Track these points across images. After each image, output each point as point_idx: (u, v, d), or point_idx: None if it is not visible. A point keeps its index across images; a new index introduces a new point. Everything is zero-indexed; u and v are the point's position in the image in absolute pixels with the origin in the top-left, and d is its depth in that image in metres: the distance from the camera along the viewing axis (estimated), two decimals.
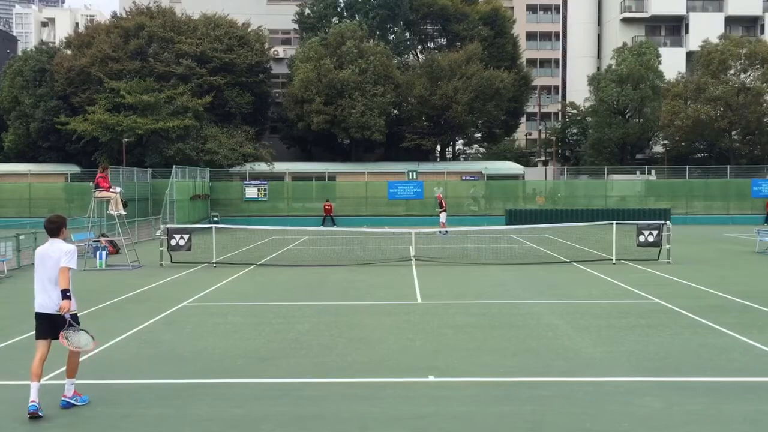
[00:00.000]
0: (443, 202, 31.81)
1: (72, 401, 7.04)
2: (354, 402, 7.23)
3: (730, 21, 57.62)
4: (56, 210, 37.88)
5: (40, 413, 6.69)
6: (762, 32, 57.49)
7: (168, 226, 20.98)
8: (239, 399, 7.34)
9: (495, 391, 7.57)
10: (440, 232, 29.15)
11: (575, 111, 57.77)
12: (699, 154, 49.57)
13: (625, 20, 58.97)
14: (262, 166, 43.28)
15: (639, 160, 52.86)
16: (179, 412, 6.97)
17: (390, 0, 46.72)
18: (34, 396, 6.74)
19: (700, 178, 41.34)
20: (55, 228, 7.04)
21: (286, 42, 52.90)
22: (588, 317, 11.57)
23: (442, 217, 30.96)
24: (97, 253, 19.15)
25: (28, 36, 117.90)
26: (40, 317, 7.01)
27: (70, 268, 6.87)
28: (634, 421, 6.61)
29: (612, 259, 19.30)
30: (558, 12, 72.29)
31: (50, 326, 6.97)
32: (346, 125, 42.13)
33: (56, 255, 6.87)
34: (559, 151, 60.45)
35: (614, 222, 21.04)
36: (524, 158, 63.11)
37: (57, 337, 6.95)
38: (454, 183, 41.72)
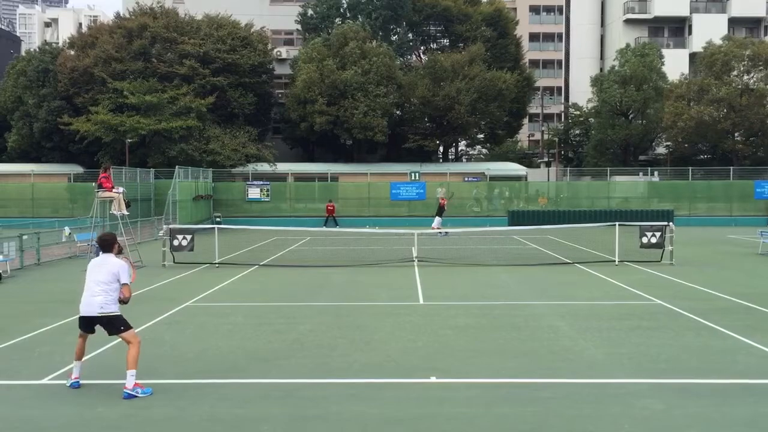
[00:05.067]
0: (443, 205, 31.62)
1: (133, 393, 7.43)
2: (355, 403, 7.24)
3: (734, 22, 57.50)
4: (59, 210, 38.11)
5: (77, 384, 7.75)
6: (765, 34, 57.34)
7: (171, 226, 21.00)
8: (241, 399, 7.36)
9: (496, 392, 7.57)
10: (441, 233, 29.10)
11: (578, 112, 57.68)
12: (702, 156, 49.46)
13: (628, 21, 58.89)
14: (264, 167, 43.30)
15: (642, 162, 52.76)
16: (181, 412, 6.99)
17: (393, 1, 46.71)
18: (76, 374, 7.80)
19: (703, 180, 41.24)
20: (108, 244, 8.13)
21: (288, 43, 52.92)
22: (590, 319, 11.57)
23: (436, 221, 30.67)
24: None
25: (32, 36, 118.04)
26: (81, 319, 7.85)
27: (127, 284, 7.91)
28: (636, 423, 6.61)
29: (614, 261, 19.28)
30: (561, 13, 72.21)
31: (89, 326, 7.86)
32: (349, 126, 42.12)
33: (113, 269, 7.86)
34: (562, 152, 60.38)
35: (617, 223, 21.00)
36: (527, 159, 63.02)
37: (93, 332, 7.92)
38: (457, 184, 41.69)
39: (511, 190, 41.75)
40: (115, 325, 7.70)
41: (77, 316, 11.46)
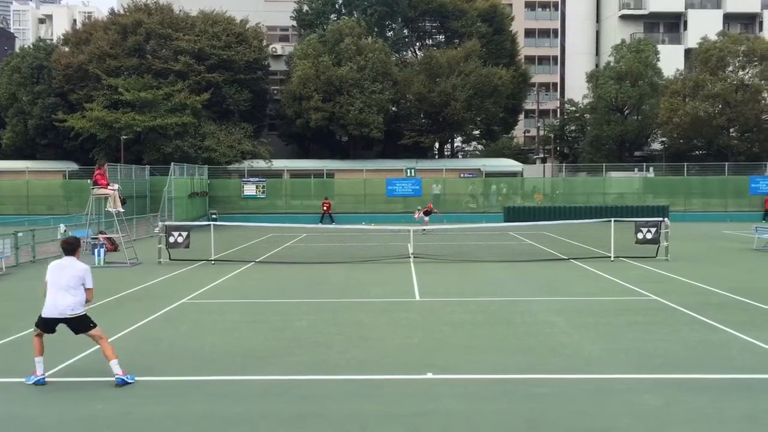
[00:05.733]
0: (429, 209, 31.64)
1: (125, 378, 7.76)
2: (352, 399, 7.24)
3: (729, 18, 57.62)
4: (54, 207, 38.01)
5: (42, 381, 7.80)
6: (760, 29, 57.45)
7: (166, 223, 20.96)
8: (238, 397, 7.35)
9: (493, 388, 7.57)
10: (420, 218, 29.30)
11: (574, 108, 57.74)
12: (697, 152, 49.58)
13: (623, 17, 58.94)
14: (260, 164, 43.24)
15: (637, 158, 52.86)
16: (178, 409, 6.98)
17: None
18: (41, 370, 7.85)
19: (698, 176, 41.37)
20: (72, 248, 8.07)
21: (284, 39, 52.79)
22: (586, 314, 11.59)
23: (426, 216, 30.71)
24: (96, 250, 19.14)
25: (26, 33, 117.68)
26: (46, 321, 7.88)
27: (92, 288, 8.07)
28: (633, 418, 6.62)
29: (610, 256, 19.32)
30: (556, 9, 72.25)
31: (53, 326, 7.96)
32: (345, 122, 42.07)
33: (79, 272, 7.88)
34: (558, 148, 60.44)
35: (612, 219, 21.05)
36: (523, 155, 63.06)
37: (53, 332, 8.01)
38: (453, 180, 41.73)
39: (507, 186, 41.80)
40: (84, 324, 7.92)
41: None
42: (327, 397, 7.31)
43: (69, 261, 7.99)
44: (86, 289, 7.93)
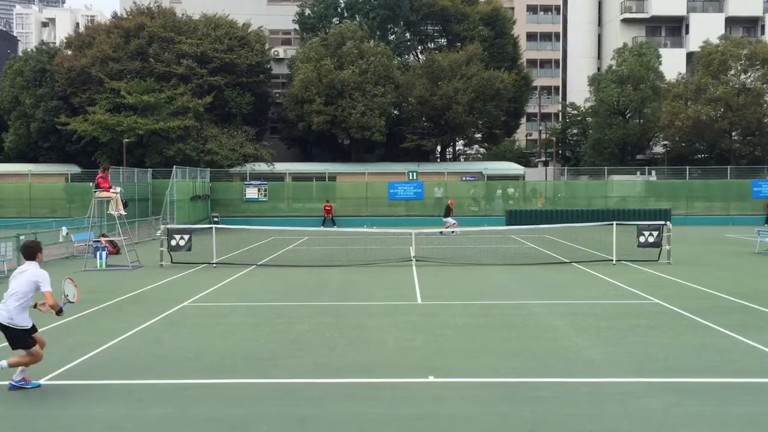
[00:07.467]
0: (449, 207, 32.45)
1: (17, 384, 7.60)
2: (354, 402, 7.24)
3: (731, 22, 57.62)
4: (56, 210, 38.04)
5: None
6: (762, 33, 57.45)
7: (168, 226, 20.98)
8: (239, 399, 7.35)
9: (495, 391, 7.57)
10: (451, 232, 29.52)
11: (575, 111, 57.73)
12: (699, 155, 49.54)
13: (625, 21, 58.96)
14: (262, 167, 43.27)
15: (639, 161, 52.84)
16: (179, 412, 6.98)
17: (390, 0, 46.71)
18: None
19: (700, 179, 41.30)
20: (31, 252, 7.66)
21: (286, 42, 52.89)
22: (588, 318, 11.57)
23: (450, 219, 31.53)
24: (98, 253, 19.16)
25: (29, 36, 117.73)
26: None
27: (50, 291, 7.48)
28: (634, 422, 6.61)
29: (612, 260, 19.29)
30: (558, 12, 72.26)
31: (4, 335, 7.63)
32: (347, 125, 42.11)
33: (33, 277, 7.42)
34: (560, 151, 60.43)
35: (614, 222, 21.02)
36: (524, 159, 63.07)
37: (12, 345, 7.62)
38: (455, 183, 41.70)
39: (514, 188, 41.76)
40: (20, 339, 7.48)
41: (74, 317, 11.47)
42: (328, 399, 7.31)
43: (27, 266, 7.58)
44: (44, 293, 7.39)
